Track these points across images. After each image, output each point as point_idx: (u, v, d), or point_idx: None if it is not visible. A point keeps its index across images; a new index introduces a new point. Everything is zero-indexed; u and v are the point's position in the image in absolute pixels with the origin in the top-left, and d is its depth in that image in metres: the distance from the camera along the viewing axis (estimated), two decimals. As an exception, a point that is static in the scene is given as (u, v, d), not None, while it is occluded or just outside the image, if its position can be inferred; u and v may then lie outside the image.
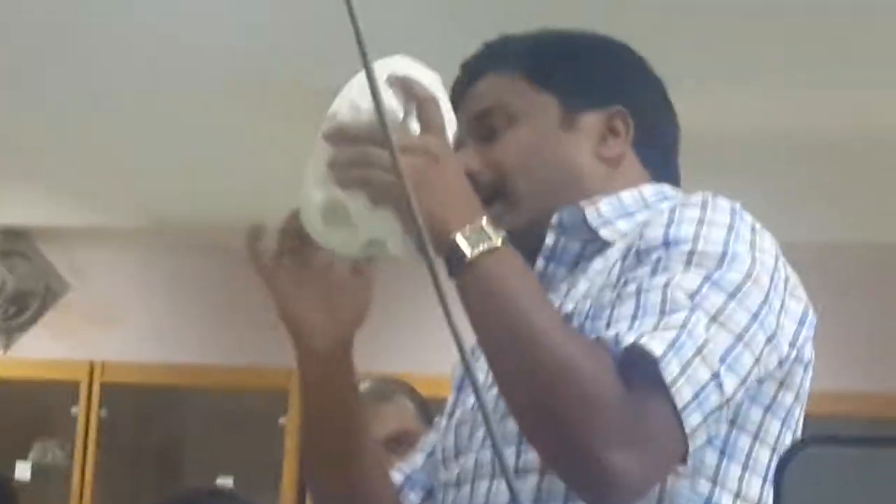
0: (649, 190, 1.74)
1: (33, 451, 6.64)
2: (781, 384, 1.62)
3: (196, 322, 6.58)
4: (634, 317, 1.53)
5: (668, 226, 1.60)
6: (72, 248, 6.72)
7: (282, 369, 5.38)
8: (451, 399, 1.80)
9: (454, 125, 1.65)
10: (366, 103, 1.58)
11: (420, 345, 5.51)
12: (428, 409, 2.87)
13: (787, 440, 1.63)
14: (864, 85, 4.08)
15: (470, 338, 1.53)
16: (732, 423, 1.60)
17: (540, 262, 1.70)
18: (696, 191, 1.69)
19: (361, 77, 1.61)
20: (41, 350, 6.69)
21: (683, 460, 1.53)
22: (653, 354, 1.49)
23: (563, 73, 1.75)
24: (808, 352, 1.65)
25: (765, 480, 1.62)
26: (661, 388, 1.49)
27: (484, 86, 1.76)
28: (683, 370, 1.50)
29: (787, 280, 1.63)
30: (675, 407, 1.49)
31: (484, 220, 1.55)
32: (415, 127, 1.60)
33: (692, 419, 1.50)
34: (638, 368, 1.50)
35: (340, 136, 1.60)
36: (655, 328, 1.51)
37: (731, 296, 1.55)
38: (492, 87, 1.76)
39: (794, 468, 1.34)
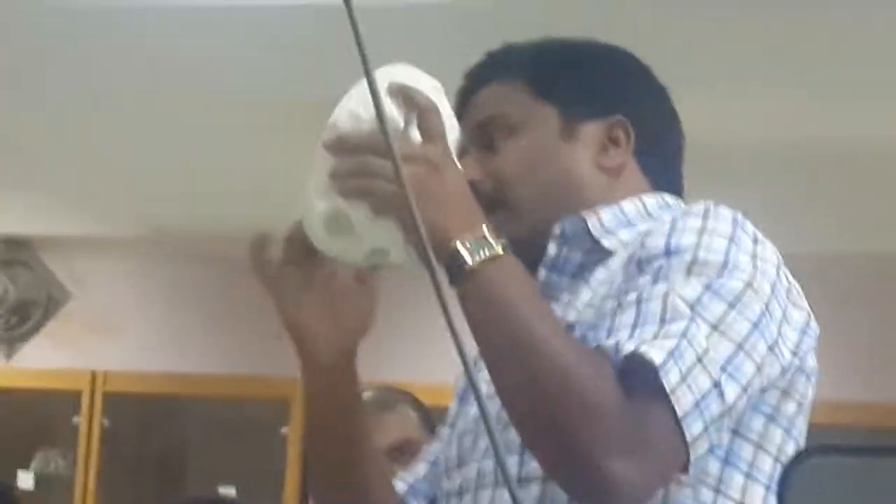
0: (651, 199, 1.74)
1: (36, 460, 6.64)
2: (784, 393, 1.62)
3: (198, 331, 6.58)
4: (635, 325, 1.53)
5: (670, 235, 1.60)
6: (73, 258, 6.73)
7: (284, 378, 5.37)
8: (452, 409, 1.80)
9: (456, 131, 1.65)
10: (366, 112, 1.58)
11: (423, 354, 5.51)
12: (430, 419, 2.87)
13: (790, 449, 1.63)
14: (865, 95, 4.09)
15: (473, 347, 1.53)
16: (735, 432, 1.60)
17: (542, 272, 1.70)
18: (698, 200, 1.69)
19: (361, 86, 1.61)
20: (43, 359, 6.70)
21: (685, 469, 1.53)
22: (652, 362, 1.49)
23: (563, 83, 1.75)
24: (811, 361, 1.65)
25: (767, 489, 1.61)
26: (661, 396, 1.49)
27: (486, 95, 1.76)
28: (684, 378, 1.50)
29: (788, 289, 1.63)
30: (675, 415, 1.49)
31: (485, 229, 1.55)
32: (415, 135, 1.60)
33: (694, 427, 1.50)
34: (638, 376, 1.50)
35: (341, 146, 1.60)
36: (655, 337, 1.51)
37: (732, 305, 1.55)
38: (493, 97, 1.76)
39: (797, 478, 1.34)
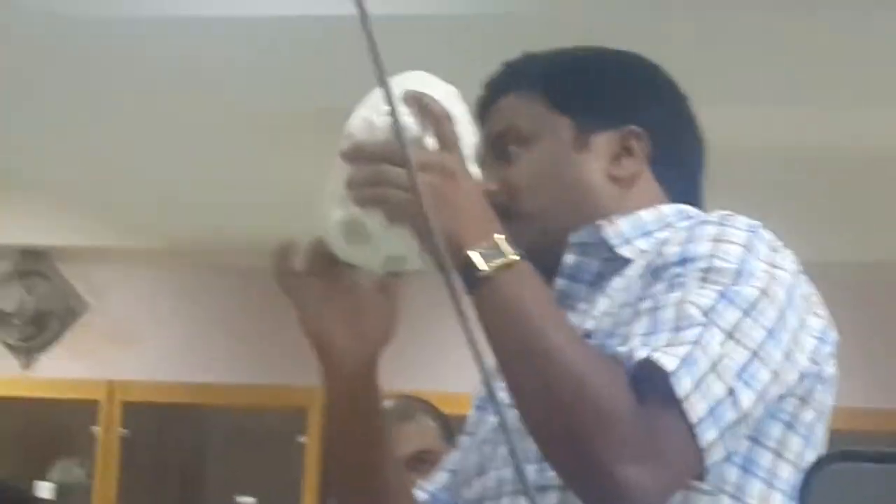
0: (669, 209, 1.74)
1: (54, 470, 6.66)
2: (802, 401, 1.62)
3: (215, 341, 6.59)
4: (648, 333, 1.54)
5: (686, 243, 1.60)
6: (91, 269, 6.75)
7: (301, 388, 5.39)
8: (472, 418, 1.81)
9: (472, 137, 1.65)
10: (381, 121, 1.59)
11: (443, 363, 5.52)
12: (450, 428, 2.87)
13: (809, 456, 1.62)
14: (881, 103, 4.08)
15: (492, 356, 1.53)
16: (753, 439, 1.59)
17: (560, 281, 1.70)
18: (716, 208, 1.69)
19: (377, 94, 1.61)
20: (61, 370, 6.72)
21: (701, 476, 1.53)
22: (665, 369, 1.49)
23: (577, 94, 1.75)
24: (830, 368, 1.65)
25: (786, 497, 1.61)
26: (673, 403, 1.49)
27: (503, 106, 1.77)
28: (697, 385, 1.50)
29: (806, 297, 1.63)
30: (688, 422, 1.49)
31: (499, 236, 1.56)
32: (431, 143, 1.60)
33: (708, 434, 1.50)
34: (650, 383, 1.50)
35: (356, 154, 1.60)
36: (669, 344, 1.51)
37: (747, 312, 1.55)
38: (509, 108, 1.76)
39: (817, 484, 1.34)
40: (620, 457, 1.48)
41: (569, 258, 1.70)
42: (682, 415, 1.49)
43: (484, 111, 1.78)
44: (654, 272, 1.60)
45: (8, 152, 5.22)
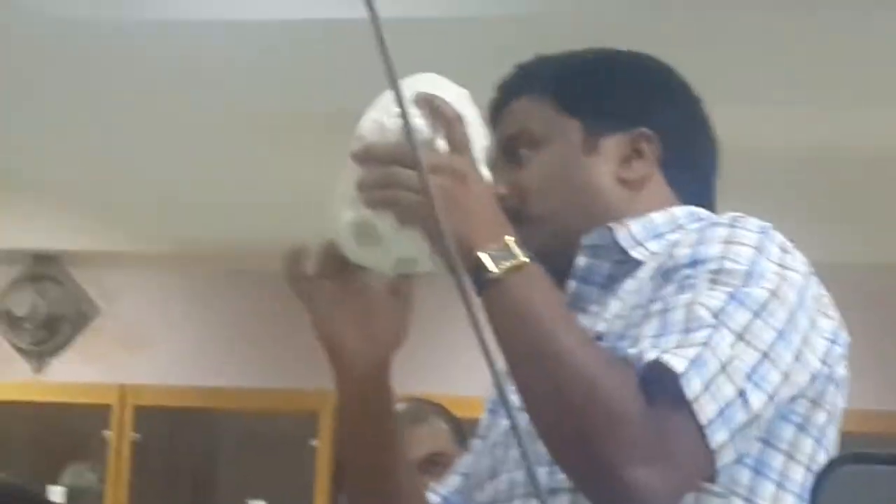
0: (680, 211, 1.74)
1: (66, 474, 6.67)
2: (813, 403, 1.62)
3: (226, 345, 6.60)
4: (658, 335, 1.54)
5: (696, 245, 1.60)
6: (102, 273, 6.76)
7: (313, 391, 5.39)
8: (484, 421, 1.81)
9: (484, 139, 1.65)
10: (392, 123, 1.59)
11: (453, 366, 5.52)
12: (462, 431, 2.87)
13: (821, 458, 1.62)
14: (893, 103, 4.08)
15: (502, 359, 1.53)
16: (764, 441, 1.59)
17: (571, 284, 1.70)
18: (727, 210, 1.69)
19: (388, 96, 1.62)
20: (73, 374, 6.72)
21: (712, 478, 1.53)
22: (674, 370, 1.49)
23: (587, 97, 1.76)
24: (841, 370, 1.64)
25: (798, 499, 1.61)
26: (683, 405, 1.49)
27: (514, 109, 1.77)
28: (707, 387, 1.50)
29: (817, 298, 1.63)
30: (698, 423, 1.49)
31: (509, 238, 1.56)
32: (441, 145, 1.60)
33: (718, 436, 1.50)
34: (660, 385, 1.50)
35: (367, 156, 1.61)
36: (678, 345, 1.51)
37: (757, 313, 1.55)
38: (521, 111, 1.77)
39: (829, 486, 1.34)
40: (630, 459, 1.48)
41: (580, 260, 1.70)
42: (692, 416, 1.49)
43: (496, 114, 1.78)
44: (665, 274, 1.60)
45: (20, 156, 5.23)
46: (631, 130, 1.74)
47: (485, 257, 1.54)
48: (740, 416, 1.51)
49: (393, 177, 1.58)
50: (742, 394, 1.51)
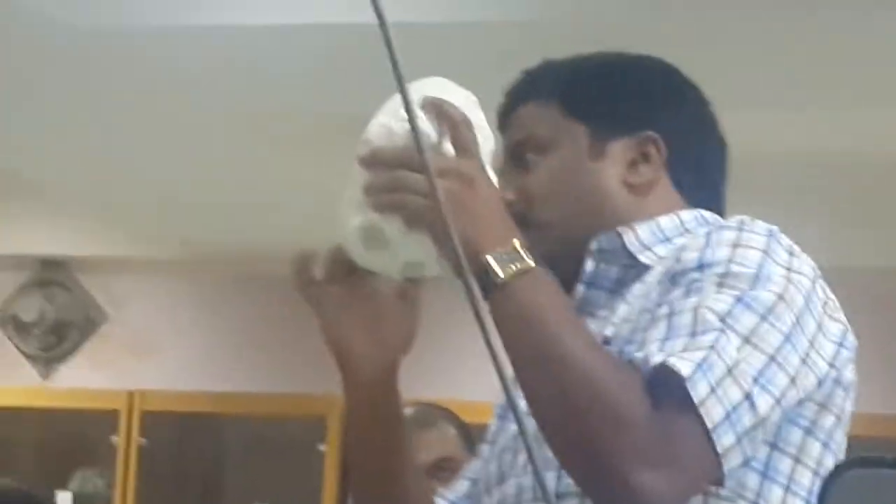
0: (688, 215, 1.74)
1: (74, 480, 6.67)
2: (821, 406, 1.62)
3: (234, 350, 6.60)
4: (665, 338, 1.54)
5: (704, 249, 1.60)
6: (110, 279, 6.76)
7: (320, 396, 5.39)
8: (493, 426, 1.81)
9: (491, 143, 1.66)
10: (399, 126, 1.59)
11: (462, 371, 5.51)
12: (471, 436, 2.87)
13: (829, 462, 1.62)
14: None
15: (509, 363, 1.53)
16: (772, 445, 1.59)
17: (580, 288, 1.70)
18: (734, 213, 1.69)
19: (395, 100, 1.62)
20: (81, 379, 6.73)
21: (719, 481, 1.53)
22: (680, 374, 1.49)
23: (593, 102, 1.75)
24: (849, 374, 1.64)
25: (806, 503, 1.61)
26: (689, 408, 1.49)
27: (522, 114, 1.77)
28: (713, 390, 1.50)
29: (825, 302, 1.63)
30: (705, 427, 1.49)
31: (517, 242, 1.56)
32: (448, 149, 1.60)
33: (724, 439, 1.50)
34: (666, 388, 1.50)
35: (374, 160, 1.61)
36: (685, 349, 1.51)
37: (764, 317, 1.55)
38: (528, 116, 1.77)
39: (837, 489, 1.34)
40: (636, 462, 1.48)
41: (588, 265, 1.70)
42: (699, 420, 1.49)
43: (504, 120, 1.78)
44: (672, 278, 1.61)
45: (27, 162, 5.23)
46: (638, 134, 1.74)
47: (492, 261, 1.54)
48: (747, 420, 1.51)
49: (400, 180, 1.58)
50: (749, 397, 1.51)
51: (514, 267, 1.54)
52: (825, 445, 1.62)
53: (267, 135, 4.70)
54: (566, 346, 1.51)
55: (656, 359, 1.51)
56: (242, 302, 6.58)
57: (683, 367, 1.49)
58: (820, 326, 1.60)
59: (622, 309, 1.66)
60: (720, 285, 1.56)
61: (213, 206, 5.67)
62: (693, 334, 1.52)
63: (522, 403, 1.57)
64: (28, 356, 6.82)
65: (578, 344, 1.53)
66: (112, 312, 6.79)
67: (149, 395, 6.59)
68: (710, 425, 1.49)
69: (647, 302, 1.63)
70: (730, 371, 1.51)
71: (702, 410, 1.49)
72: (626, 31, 2.97)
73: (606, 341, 1.62)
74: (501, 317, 1.54)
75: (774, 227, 1.63)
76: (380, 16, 1.20)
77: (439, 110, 1.61)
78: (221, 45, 3.92)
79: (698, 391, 1.49)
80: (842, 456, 1.64)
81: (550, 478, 1.61)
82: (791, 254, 1.61)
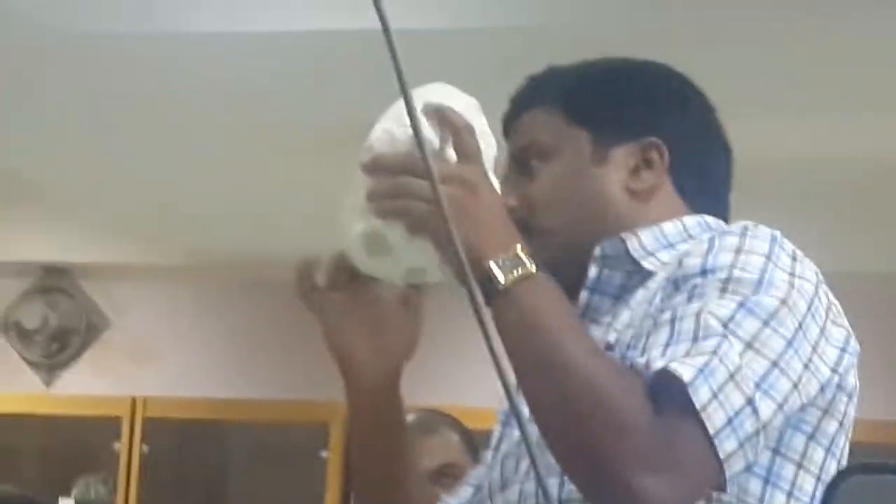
0: (692, 221, 1.74)
1: (76, 486, 6.67)
2: (824, 412, 1.62)
3: (236, 356, 6.60)
4: (667, 344, 1.54)
5: (706, 254, 1.60)
6: (113, 285, 6.76)
7: (323, 403, 5.39)
8: (496, 432, 1.81)
9: (493, 149, 1.66)
10: (402, 133, 1.59)
11: (464, 377, 5.51)
12: (473, 442, 2.87)
13: (832, 469, 1.62)
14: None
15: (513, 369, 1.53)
16: (775, 451, 1.59)
17: (584, 295, 1.71)
18: (738, 220, 1.69)
19: (397, 107, 1.62)
20: (83, 386, 6.73)
21: (721, 487, 1.53)
22: (681, 379, 1.49)
23: (595, 108, 1.76)
24: (852, 380, 1.64)
25: (810, 508, 1.61)
26: (691, 413, 1.49)
27: (526, 120, 1.77)
28: (715, 395, 1.50)
29: (828, 307, 1.62)
30: (706, 432, 1.49)
31: (519, 248, 1.56)
32: (451, 155, 1.60)
33: (726, 445, 1.50)
34: (667, 394, 1.50)
35: (377, 166, 1.61)
36: (687, 354, 1.51)
37: (766, 322, 1.55)
38: (531, 123, 1.77)
39: (840, 495, 1.33)
40: (638, 468, 1.48)
41: (592, 271, 1.70)
42: (701, 425, 1.49)
43: (509, 126, 1.78)
44: (675, 283, 1.61)
45: (30, 168, 5.24)
46: (640, 140, 1.74)
47: (493, 267, 1.55)
48: (749, 425, 1.51)
49: (403, 187, 1.58)
50: (751, 402, 1.51)
51: (515, 273, 1.55)
52: (828, 451, 1.62)
53: (269, 141, 4.70)
54: (568, 352, 1.51)
55: (658, 364, 1.51)
56: (245, 308, 6.58)
57: (685, 372, 1.49)
58: (823, 332, 1.60)
59: (625, 315, 1.66)
60: (723, 291, 1.56)
61: (216, 212, 5.67)
62: (695, 339, 1.52)
63: (525, 409, 1.57)
64: (30, 363, 6.82)
65: (580, 350, 1.53)
66: (114, 319, 6.79)
67: (151, 401, 6.59)
68: (711, 431, 1.49)
69: (650, 307, 1.63)
70: (732, 376, 1.51)
71: (703, 416, 1.49)
72: (629, 37, 2.97)
73: (609, 347, 1.62)
74: (504, 323, 1.54)
75: (777, 233, 1.63)
76: (384, 22, 1.20)
77: (442, 116, 1.61)
78: (226, 51, 3.93)
79: (700, 396, 1.49)
80: (845, 462, 1.64)
81: (553, 484, 1.61)
82: (794, 259, 1.61)
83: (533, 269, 1.55)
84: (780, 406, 1.54)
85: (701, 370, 1.50)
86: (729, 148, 1.80)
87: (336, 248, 1.70)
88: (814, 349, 1.58)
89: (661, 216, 1.73)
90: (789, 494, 1.60)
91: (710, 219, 1.75)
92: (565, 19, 3.60)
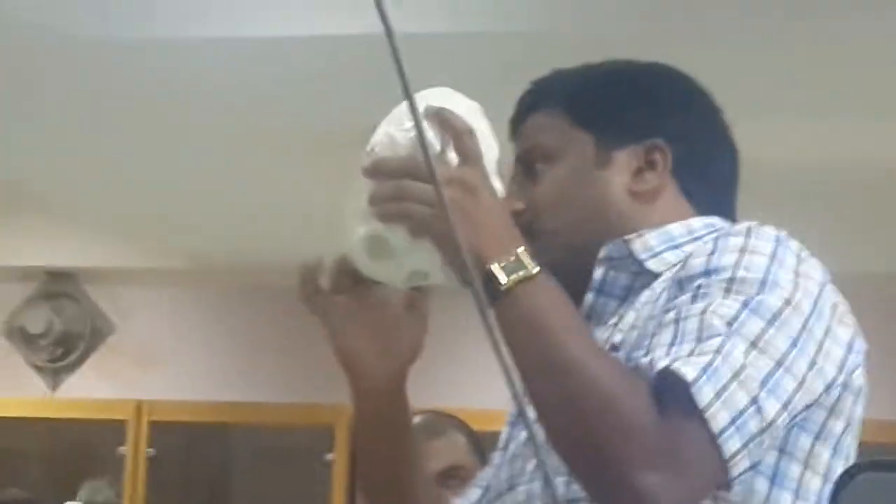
0: (697, 222, 1.74)
1: (83, 490, 6.67)
2: (831, 412, 1.61)
3: (241, 360, 6.60)
4: (671, 344, 1.54)
5: (711, 255, 1.60)
6: (117, 290, 6.77)
7: (328, 405, 5.39)
8: (504, 434, 1.81)
9: (494, 151, 1.66)
10: (402, 136, 1.59)
11: (469, 380, 5.51)
12: (479, 443, 2.87)
13: (838, 468, 1.62)
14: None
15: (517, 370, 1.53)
16: (781, 451, 1.59)
17: (589, 296, 1.71)
18: (745, 220, 1.68)
19: (398, 110, 1.62)
20: (88, 390, 6.73)
21: (727, 486, 1.53)
22: (685, 379, 1.49)
23: (598, 110, 1.76)
24: (858, 379, 1.64)
25: (816, 509, 1.61)
26: (695, 413, 1.49)
27: (530, 124, 1.78)
28: (719, 395, 1.50)
29: (834, 307, 1.62)
30: (710, 432, 1.49)
31: (520, 250, 1.56)
32: (452, 158, 1.60)
33: (730, 444, 1.50)
34: (671, 393, 1.50)
35: (378, 170, 1.61)
36: (691, 354, 1.51)
37: (770, 322, 1.55)
38: (536, 126, 1.77)
39: (847, 495, 1.33)
40: (642, 468, 1.48)
41: (597, 273, 1.70)
42: (704, 425, 1.49)
43: (515, 129, 1.78)
44: (680, 284, 1.61)
45: (34, 175, 5.24)
46: (643, 142, 1.74)
47: (495, 269, 1.55)
48: (753, 425, 1.51)
49: (404, 190, 1.59)
50: (755, 402, 1.51)
51: (517, 274, 1.55)
52: (834, 451, 1.62)
53: (272, 146, 4.70)
54: (571, 353, 1.52)
55: (662, 364, 1.51)
56: (249, 312, 6.59)
57: (688, 371, 1.49)
58: (828, 331, 1.60)
59: (630, 316, 1.66)
60: (727, 291, 1.56)
61: (219, 217, 5.67)
62: (699, 339, 1.52)
63: (532, 410, 1.57)
64: (36, 367, 6.83)
65: (584, 350, 1.53)
66: (119, 323, 6.79)
67: (156, 405, 6.60)
68: (715, 430, 1.49)
69: (655, 308, 1.63)
70: (736, 376, 1.51)
71: (707, 415, 1.49)
72: (630, 42, 2.97)
73: (615, 348, 1.62)
74: (507, 324, 1.54)
75: (783, 233, 1.63)
76: (386, 25, 1.20)
77: (442, 119, 1.61)
78: (229, 57, 3.93)
79: (703, 396, 1.49)
80: (852, 461, 1.64)
81: (560, 483, 1.61)
82: (799, 259, 1.61)
83: (534, 270, 1.55)
84: (785, 406, 1.53)
85: (704, 370, 1.50)
86: (735, 148, 1.80)
87: (339, 251, 1.70)
88: (818, 349, 1.58)
89: (665, 218, 1.73)
90: (795, 494, 1.60)
91: (716, 220, 1.75)
92: (567, 24, 3.60)
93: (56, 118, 4.51)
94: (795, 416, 1.57)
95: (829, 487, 1.58)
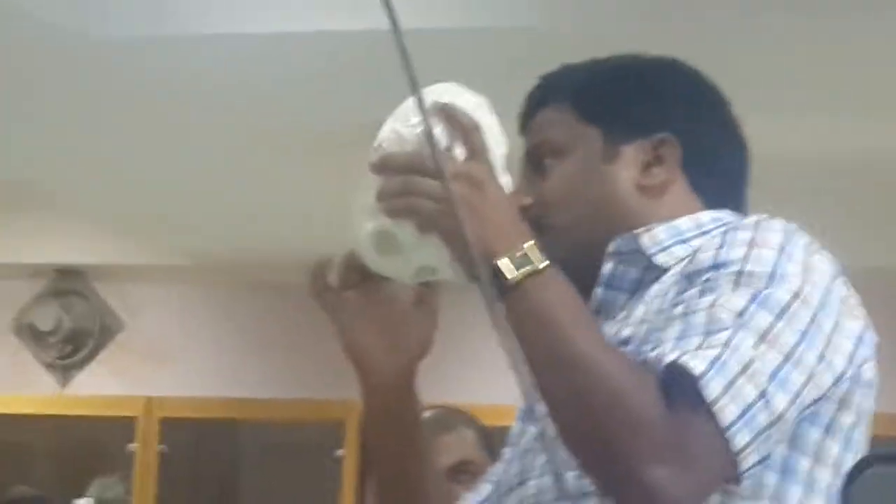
0: (706, 216, 1.73)
1: (93, 487, 6.68)
2: (840, 405, 1.61)
3: (251, 356, 6.61)
4: (680, 337, 1.54)
5: (719, 248, 1.60)
6: (126, 287, 6.78)
7: (338, 401, 5.40)
8: (515, 429, 1.81)
9: (502, 146, 1.66)
10: (409, 132, 1.59)
11: (479, 375, 5.51)
12: (489, 438, 2.87)
13: (848, 461, 1.61)
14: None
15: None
16: (790, 444, 1.59)
17: (598, 291, 1.71)
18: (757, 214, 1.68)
19: (405, 106, 1.62)
20: (98, 387, 6.75)
21: (737, 480, 1.53)
22: (693, 372, 1.49)
23: (605, 105, 1.76)
24: (868, 372, 1.64)
25: (826, 502, 1.60)
26: (703, 407, 1.49)
27: (538, 119, 1.78)
28: (727, 388, 1.49)
29: (844, 299, 1.62)
30: (719, 425, 1.49)
31: (528, 245, 1.56)
32: (459, 154, 1.60)
33: (739, 438, 1.49)
34: (679, 387, 1.50)
35: (385, 165, 1.61)
36: (699, 347, 1.51)
37: (779, 315, 1.54)
38: (544, 121, 1.77)
39: (857, 488, 1.33)
40: (651, 461, 1.48)
41: (606, 267, 1.70)
42: (713, 418, 1.49)
43: (524, 125, 1.78)
44: (688, 278, 1.60)
45: (42, 173, 5.25)
46: (651, 137, 1.74)
47: (503, 264, 1.55)
48: (762, 418, 1.51)
49: (411, 185, 1.59)
50: (764, 395, 1.51)
51: (525, 269, 1.55)
52: (844, 444, 1.62)
53: (278, 143, 4.71)
54: (579, 347, 1.52)
55: (670, 357, 1.51)
56: (258, 308, 6.59)
57: (696, 365, 1.49)
58: (837, 324, 1.59)
59: (640, 310, 1.66)
60: (736, 284, 1.56)
61: (228, 214, 5.68)
62: (707, 333, 1.52)
63: (542, 405, 1.57)
64: (45, 365, 6.84)
65: (592, 344, 1.53)
66: (128, 320, 6.80)
67: (166, 401, 6.61)
68: (724, 424, 1.49)
69: (664, 302, 1.63)
70: (744, 369, 1.50)
71: (715, 409, 1.49)
72: (635, 37, 2.96)
73: (624, 342, 1.62)
74: (515, 319, 1.54)
75: (792, 226, 1.63)
76: (392, 19, 1.20)
77: (449, 115, 1.61)
78: (231, 55, 3.93)
79: (711, 389, 1.49)
80: (862, 454, 1.63)
81: (570, 478, 1.61)
82: (809, 252, 1.61)
83: (543, 265, 1.55)
84: (794, 399, 1.53)
85: (713, 363, 1.50)
86: (745, 142, 1.79)
87: (347, 248, 1.70)
88: (827, 342, 1.57)
89: (674, 212, 1.72)
90: (806, 487, 1.60)
91: (724, 213, 1.74)
92: (572, 20, 3.60)
93: (64, 118, 4.52)
94: (804, 410, 1.56)
95: (839, 480, 1.58)
